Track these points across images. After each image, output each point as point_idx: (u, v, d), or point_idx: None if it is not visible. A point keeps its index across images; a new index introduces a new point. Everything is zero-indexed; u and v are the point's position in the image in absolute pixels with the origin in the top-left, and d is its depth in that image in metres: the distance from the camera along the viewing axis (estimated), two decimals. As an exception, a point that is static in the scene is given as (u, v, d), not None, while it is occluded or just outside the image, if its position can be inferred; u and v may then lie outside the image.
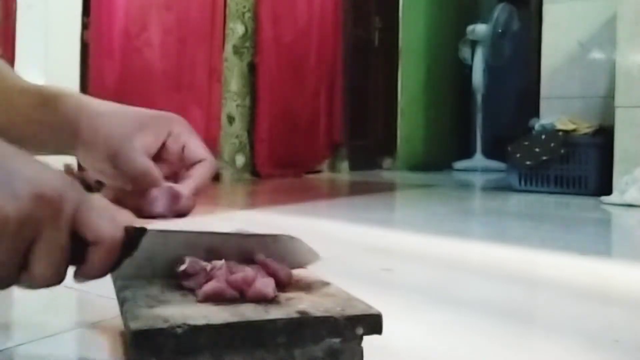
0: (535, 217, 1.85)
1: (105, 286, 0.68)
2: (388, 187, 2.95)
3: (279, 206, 1.94)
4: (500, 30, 4.00)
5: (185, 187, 0.56)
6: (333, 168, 3.66)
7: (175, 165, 0.59)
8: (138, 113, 0.59)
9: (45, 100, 0.58)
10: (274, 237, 0.55)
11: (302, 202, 2.09)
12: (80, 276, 0.45)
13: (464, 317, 0.71)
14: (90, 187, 0.61)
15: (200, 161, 0.58)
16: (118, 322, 0.63)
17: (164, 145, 0.58)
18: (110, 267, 0.45)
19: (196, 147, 0.59)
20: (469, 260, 1.10)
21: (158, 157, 0.58)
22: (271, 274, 0.50)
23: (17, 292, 0.80)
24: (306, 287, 0.52)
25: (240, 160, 3.09)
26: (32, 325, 0.64)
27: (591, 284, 0.92)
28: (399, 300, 0.78)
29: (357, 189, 2.90)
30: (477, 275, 0.98)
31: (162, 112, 0.60)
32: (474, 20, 4.13)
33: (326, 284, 0.53)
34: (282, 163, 3.21)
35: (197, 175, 0.57)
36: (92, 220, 0.42)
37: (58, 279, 0.42)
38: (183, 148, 0.58)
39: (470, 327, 0.67)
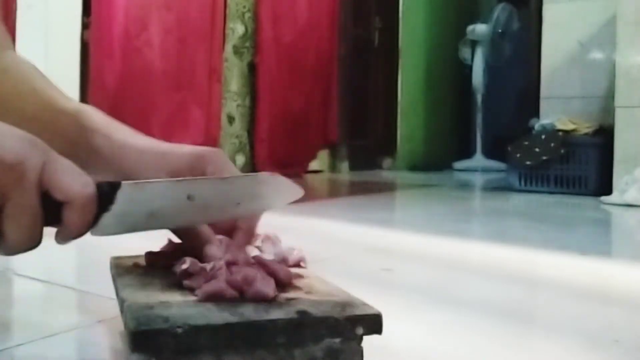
0: (535, 217, 1.85)
1: (105, 286, 0.68)
2: (388, 187, 2.95)
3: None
4: (500, 30, 4.00)
5: (239, 241, 0.55)
6: (333, 168, 3.66)
7: None
8: (173, 158, 0.56)
9: (81, 127, 0.57)
10: (254, 177, 0.52)
11: (302, 202, 2.09)
12: (60, 237, 0.44)
13: (464, 317, 0.71)
14: None
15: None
16: (118, 322, 0.63)
17: None
18: (87, 224, 0.44)
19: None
20: (469, 260, 1.10)
21: None
22: (271, 273, 0.50)
23: (17, 292, 0.80)
24: (306, 287, 0.52)
25: (240, 160, 3.09)
26: (32, 325, 0.64)
27: (591, 284, 0.92)
28: (399, 300, 0.78)
29: (357, 189, 2.90)
30: (477, 275, 0.98)
31: (194, 151, 0.56)
32: (474, 20, 4.13)
33: (326, 283, 0.53)
34: (282, 163, 3.20)
35: (245, 228, 0.56)
36: (60, 179, 0.41)
37: (32, 242, 0.42)
38: None
39: (470, 327, 0.67)
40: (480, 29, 4.01)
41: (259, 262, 0.51)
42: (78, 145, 0.58)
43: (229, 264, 0.50)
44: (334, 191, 2.82)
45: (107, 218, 0.45)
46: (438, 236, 1.38)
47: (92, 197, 0.43)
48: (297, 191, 0.53)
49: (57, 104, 0.60)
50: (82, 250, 1.04)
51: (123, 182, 0.47)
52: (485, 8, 4.45)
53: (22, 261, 0.88)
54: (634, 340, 0.64)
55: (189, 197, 0.49)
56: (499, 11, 3.99)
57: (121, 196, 0.46)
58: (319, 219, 1.68)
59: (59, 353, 0.57)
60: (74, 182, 0.42)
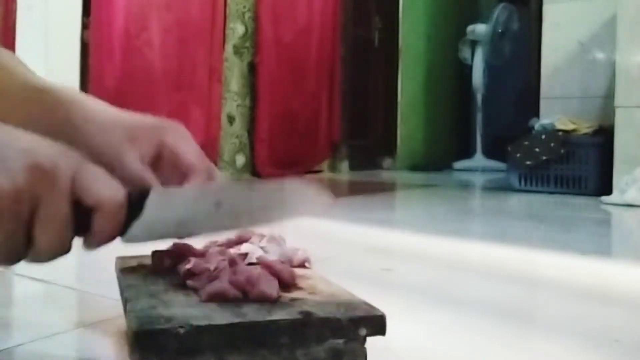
0: (535, 217, 1.85)
1: (105, 286, 0.68)
2: (388, 187, 2.95)
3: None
4: (500, 30, 4.00)
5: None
6: (333, 168, 3.66)
7: (171, 176, 0.57)
8: (130, 123, 0.56)
9: (42, 100, 0.57)
10: (283, 184, 0.52)
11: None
12: (89, 244, 0.44)
13: (464, 317, 0.71)
14: None
15: (191, 170, 0.56)
16: (118, 322, 0.63)
17: (159, 156, 0.56)
18: (117, 231, 0.44)
19: (187, 156, 0.56)
20: (469, 260, 1.10)
21: (154, 168, 0.56)
22: (275, 274, 0.50)
23: (17, 292, 0.80)
24: (310, 287, 0.52)
25: (240, 160, 3.09)
26: (32, 325, 0.64)
27: (591, 284, 0.92)
28: (399, 300, 0.78)
29: (357, 189, 2.90)
30: (477, 275, 0.98)
31: (155, 121, 0.57)
32: (474, 20, 4.13)
33: (330, 284, 0.53)
34: (282, 163, 3.20)
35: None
36: (91, 185, 0.42)
37: (63, 249, 0.42)
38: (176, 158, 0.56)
39: (470, 327, 0.67)
40: (480, 29, 4.01)
41: (263, 263, 0.51)
42: (49, 119, 0.57)
43: (233, 264, 0.50)
44: (333, 191, 2.81)
45: (136, 225, 0.46)
46: (438, 236, 1.38)
47: (123, 203, 0.43)
48: (326, 199, 0.53)
49: (34, 82, 0.60)
50: (82, 250, 1.03)
51: (153, 189, 0.47)
52: (485, 8, 4.45)
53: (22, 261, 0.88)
54: (634, 340, 0.64)
55: (217, 204, 0.49)
56: (499, 11, 3.99)
57: (150, 203, 0.46)
58: (319, 219, 1.68)
59: (59, 353, 0.57)
60: (105, 188, 0.42)
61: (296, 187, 0.52)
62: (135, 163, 0.54)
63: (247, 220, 0.52)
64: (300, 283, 0.52)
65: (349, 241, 1.30)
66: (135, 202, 0.45)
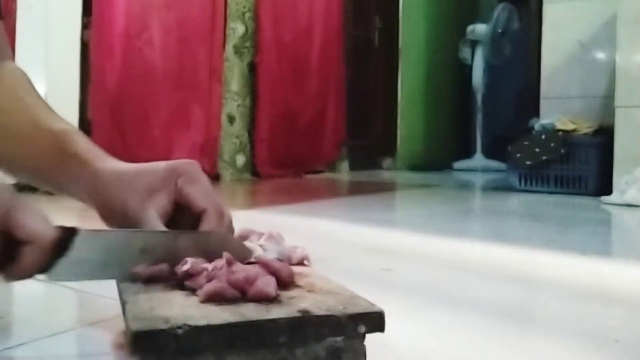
0: (535, 217, 1.85)
1: (105, 286, 0.68)
2: (388, 187, 2.95)
3: (279, 206, 1.94)
4: (500, 30, 4.00)
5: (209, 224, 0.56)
6: (333, 168, 3.66)
7: (199, 206, 0.58)
8: (148, 176, 0.58)
9: (64, 152, 0.59)
10: (207, 235, 0.55)
11: (302, 202, 2.09)
12: (10, 275, 0.45)
13: (464, 317, 0.71)
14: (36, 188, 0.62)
15: (203, 213, 0.57)
16: (118, 322, 0.63)
17: (176, 201, 0.58)
18: (43, 266, 0.45)
19: (196, 199, 0.57)
20: (469, 260, 1.10)
21: (177, 214, 0.58)
22: (273, 272, 0.50)
23: (17, 292, 0.80)
24: (308, 285, 0.52)
25: (240, 160, 3.09)
26: (32, 325, 0.64)
27: (591, 284, 0.92)
28: (399, 300, 0.78)
29: (357, 189, 2.90)
30: (477, 275, 0.98)
31: (168, 167, 0.58)
32: (474, 20, 4.13)
33: (329, 281, 0.53)
34: (282, 163, 3.21)
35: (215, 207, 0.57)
36: (25, 221, 0.43)
37: None
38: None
39: (470, 327, 0.67)
40: (480, 29, 4.01)
41: (261, 262, 0.51)
42: (58, 167, 0.60)
43: (230, 264, 0.50)
44: (334, 191, 2.82)
45: (62, 263, 0.47)
46: (438, 236, 1.38)
47: (53, 239, 0.45)
48: (248, 252, 0.55)
49: (44, 122, 0.62)
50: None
51: (81, 228, 0.48)
52: (485, 8, 4.45)
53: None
54: (634, 340, 0.64)
55: (142, 251, 0.52)
56: (499, 11, 3.99)
57: (78, 242, 0.48)
58: (319, 219, 1.68)
59: (59, 353, 0.57)
60: (37, 224, 0.44)
61: (221, 239, 0.54)
62: (154, 219, 0.56)
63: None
64: (299, 281, 0.52)
65: (349, 241, 1.30)
66: (63, 241, 0.47)
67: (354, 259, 1.08)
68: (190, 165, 0.59)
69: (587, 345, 0.62)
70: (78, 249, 0.48)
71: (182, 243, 0.54)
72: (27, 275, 0.45)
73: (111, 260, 0.51)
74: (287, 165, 3.23)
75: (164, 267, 0.51)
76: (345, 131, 3.69)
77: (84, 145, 0.60)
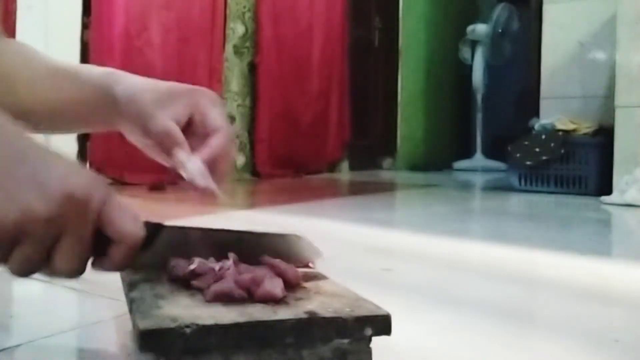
0: (535, 217, 1.85)
1: (105, 286, 0.68)
2: (388, 187, 2.95)
3: (279, 206, 1.94)
4: (500, 30, 4.00)
5: (202, 155, 0.58)
6: (333, 168, 3.66)
7: (201, 138, 0.61)
8: (170, 87, 0.62)
9: (76, 78, 0.62)
10: (282, 236, 0.56)
11: (302, 202, 2.09)
12: (99, 267, 0.46)
13: (464, 317, 0.71)
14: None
15: (217, 130, 0.59)
16: (118, 322, 0.63)
17: (192, 119, 0.60)
18: (130, 262, 0.46)
19: (214, 117, 0.60)
20: (469, 260, 1.10)
21: (188, 129, 0.60)
22: (279, 274, 0.50)
23: (17, 292, 0.80)
24: (315, 287, 0.52)
25: (240, 160, 3.09)
26: (32, 325, 0.64)
27: (591, 284, 0.92)
28: (399, 300, 0.78)
29: (357, 189, 2.90)
30: (477, 275, 0.98)
31: (194, 87, 0.62)
32: (474, 20, 4.13)
33: (335, 284, 0.53)
34: (282, 163, 3.21)
35: (212, 144, 0.59)
36: (116, 219, 0.44)
37: (78, 272, 0.44)
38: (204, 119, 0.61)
39: (470, 327, 0.67)
40: (480, 29, 4.01)
41: (268, 263, 0.51)
42: (104, 98, 0.62)
43: (237, 264, 0.50)
44: (334, 191, 2.82)
45: (144, 256, 0.48)
46: (438, 236, 1.38)
47: (141, 240, 0.46)
48: (318, 252, 0.57)
49: (85, 68, 0.65)
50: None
51: (166, 225, 0.50)
52: (485, 8, 4.45)
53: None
54: (634, 340, 0.64)
55: (220, 247, 0.53)
56: (499, 11, 3.99)
57: (162, 238, 0.50)
58: (319, 219, 1.68)
59: (59, 353, 0.57)
60: (128, 224, 0.45)
61: (293, 240, 0.56)
62: (163, 120, 0.58)
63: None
64: (305, 283, 0.52)
65: (349, 241, 1.30)
66: (149, 235, 0.48)
67: (354, 259, 1.08)
68: (212, 92, 0.63)
69: (587, 345, 0.62)
70: (161, 244, 0.50)
71: (261, 242, 0.55)
72: (114, 269, 0.47)
73: (188, 252, 0.52)
74: (287, 165, 3.23)
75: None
76: (349, 132, 3.69)
77: (129, 75, 0.65)
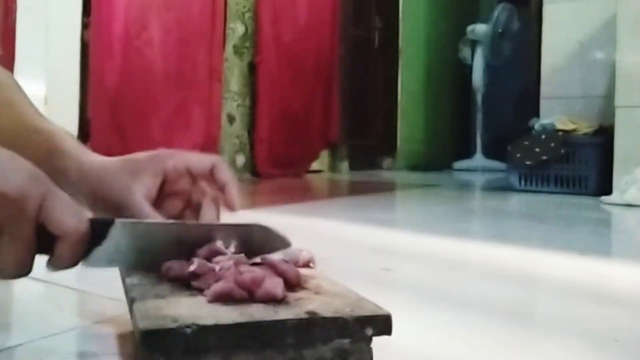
0: (535, 217, 1.85)
1: (105, 286, 0.68)
2: (388, 187, 2.95)
3: (279, 206, 1.94)
4: (500, 30, 4.00)
5: (230, 201, 0.59)
6: (333, 168, 3.66)
7: (187, 195, 0.60)
8: (130, 162, 0.59)
9: (52, 149, 0.61)
10: (244, 227, 0.56)
11: (302, 202, 2.09)
12: (51, 266, 0.46)
13: (464, 317, 0.71)
14: None
15: (212, 168, 0.59)
16: (118, 322, 0.63)
17: (165, 182, 0.59)
18: (79, 257, 0.46)
19: (199, 161, 0.60)
20: (469, 260, 1.10)
21: (164, 195, 0.59)
22: (280, 274, 0.50)
23: (17, 292, 0.80)
24: (315, 287, 0.52)
25: (240, 160, 3.09)
26: (32, 325, 0.64)
27: (591, 284, 0.92)
28: (399, 300, 0.78)
29: (357, 189, 2.90)
30: (477, 275, 0.98)
31: (153, 153, 0.60)
32: (474, 20, 4.13)
33: (335, 284, 0.53)
34: (282, 163, 3.21)
35: (228, 181, 0.60)
36: (56, 215, 0.44)
37: (23, 271, 0.44)
38: (190, 171, 0.60)
39: (470, 327, 0.67)
40: (480, 29, 4.01)
41: (268, 263, 0.51)
42: (47, 165, 0.60)
43: (238, 264, 0.50)
44: (334, 191, 2.82)
45: (98, 252, 0.48)
46: (438, 236, 1.38)
47: (85, 234, 0.45)
48: (286, 243, 0.56)
49: (32, 121, 0.63)
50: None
51: (116, 219, 0.50)
52: (485, 8, 4.45)
53: None
54: (634, 340, 0.64)
55: (177, 240, 0.53)
56: (499, 11, 3.99)
57: (113, 232, 0.49)
58: (319, 219, 1.68)
59: (59, 353, 0.57)
60: (70, 218, 0.44)
61: (257, 230, 0.56)
62: (142, 203, 0.57)
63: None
64: (306, 283, 0.52)
65: (349, 241, 1.30)
66: (99, 230, 0.48)
67: (354, 259, 1.08)
68: (175, 151, 0.61)
69: (587, 345, 0.62)
70: (113, 239, 0.49)
71: (218, 234, 0.54)
72: (65, 267, 0.46)
73: (145, 249, 0.52)
74: (287, 165, 3.23)
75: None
76: (337, 130, 3.68)
77: (72, 142, 0.62)
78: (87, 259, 0.48)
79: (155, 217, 0.56)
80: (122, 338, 0.59)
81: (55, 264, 0.46)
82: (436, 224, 1.62)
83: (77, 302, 0.76)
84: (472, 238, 1.44)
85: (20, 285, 0.81)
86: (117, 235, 0.50)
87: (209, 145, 2.82)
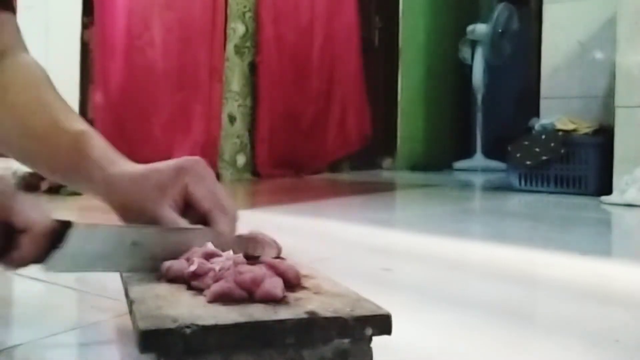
0: (535, 217, 1.85)
1: (105, 286, 0.68)
2: (388, 187, 2.95)
3: (279, 206, 1.94)
4: (500, 30, 4.00)
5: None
6: (333, 168, 3.66)
7: (203, 207, 0.61)
8: (158, 175, 0.60)
9: (79, 155, 0.62)
10: (198, 231, 0.57)
11: (302, 202, 2.09)
12: (9, 263, 0.47)
13: (464, 317, 0.71)
14: (37, 187, 0.65)
15: (208, 212, 0.59)
16: (118, 322, 0.63)
17: (185, 198, 0.60)
18: (39, 255, 0.47)
19: (200, 199, 0.60)
20: (469, 260, 1.10)
21: (188, 205, 0.60)
22: (280, 274, 0.50)
23: (17, 292, 0.80)
24: (315, 287, 0.52)
25: (241, 160, 3.09)
26: (32, 325, 0.64)
27: (591, 284, 0.92)
28: (399, 300, 0.78)
29: (357, 189, 2.90)
30: (477, 275, 0.98)
31: (177, 165, 0.61)
32: (474, 20, 4.13)
33: (335, 284, 0.53)
34: (282, 163, 3.20)
35: (224, 227, 0.59)
36: (21, 209, 0.45)
37: None
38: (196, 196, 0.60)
39: (470, 327, 0.67)
40: (480, 29, 4.01)
41: (267, 263, 0.51)
42: (75, 169, 0.63)
43: (237, 264, 0.50)
44: (334, 191, 2.82)
45: (58, 254, 0.49)
46: (438, 236, 1.38)
47: (49, 227, 0.47)
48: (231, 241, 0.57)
49: (63, 123, 0.64)
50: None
51: (75, 222, 0.50)
52: (485, 8, 4.45)
53: None
54: (634, 340, 0.64)
55: (134, 244, 0.53)
56: (499, 11, 3.99)
57: (72, 235, 0.50)
58: (319, 219, 1.68)
59: (59, 353, 0.57)
60: (33, 212, 0.46)
61: (212, 235, 0.56)
62: (170, 213, 0.58)
63: (162, 261, 0.54)
64: (305, 283, 0.52)
65: (349, 241, 1.30)
66: (58, 233, 0.49)
67: (354, 259, 1.08)
68: (196, 164, 0.61)
69: (587, 345, 0.62)
70: (73, 242, 0.50)
71: (174, 238, 0.55)
72: (25, 263, 0.47)
73: (105, 253, 0.52)
74: (288, 165, 3.23)
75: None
76: (369, 124, 3.72)
77: (99, 148, 0.63)
78: (48, 261, 0.49)
79: (182, 223, 0.58)
80: (122, 338, 0.59)
81: (14, 260, 0.46)
82: (436, 224, 1.62)
83: (77, 302, 0.76)
84: (472, 238, 1.44)
85: (20, 285, 0.81)
86: (76, 239, 0.50)
87: (210, 145, 2.82)
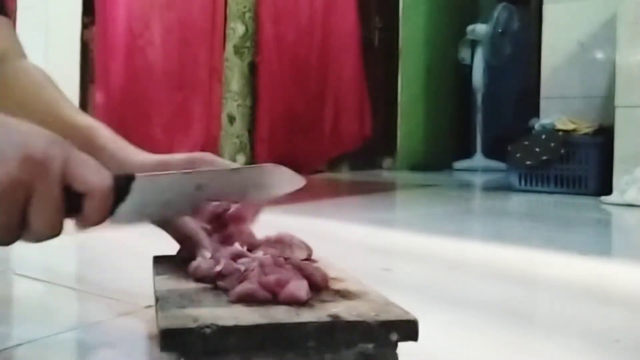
0: (535, 217, 1.85)
1: (105, 286, 0.68)
2: (388, 187, 2.95)
3: (279, 206, 1.93)
4: (500, 30, 3.99)
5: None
6: (333, 168, 3.66)
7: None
8: (170, 167, 0.60)
9: (90, 145, 0.62)
10: (260, 168, 0.58)
11: (302, 202, 2.09)
12: (80, 225, 0.47)
13: (464, 317, 0.71)
14: None
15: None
16: (117, 322, 0.63)
17: None
18: (106, 214, 0.47)
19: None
20: (469, 260, 1.10)
21: None
22: (306, 276, 0.49)
23: (17, 292, 0.80)
24: (342, 290, 0.51)
25: (240, 160, 3.08)
26: (32, 325, 0.64)
27: (591, 284, 0.92)
28: (399, 300, 0.78)
29: (357, 189, 2.90)
30: (477, 275, 0.98)
31: (189, 158, 0.62)
32: (474, 20, 4.13)
33: (364, 287, 0.53)
34: (282, 163, 3.19)
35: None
36: (81, 173, 0.45)
37: (55, 231, 0.45)
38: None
39: (470, 327, 0.67)
40: (480, 29, 4.01)
41: (294, 264, 0.51)
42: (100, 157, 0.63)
43: (262, 266, 0.50)
44: (334, 191, 2.82)
45: (123, 208, 0.49)
46: (438, 236, 1.38)
47: (110, 188, 0.46)
48: (299, 180, 0.60)
49: (68, 117, 0.66)
50: (82, 250, 1.04)
51: (137, 174, 0.51)
52: (485, 8, 4.45)
53: (22, 261, 0.88)
54: (634, 340, 0.64)
55: (197, 188, 0.54)
56: (499, 11, 3.99)
57: (136, 187, 0.50)
58: (319, 219, 1.68)
59: (59, 353, 0.57)
60: (94, 175, 0.46)
61: (272, 171, 0.59)
62: (188, 221, 0.59)
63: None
64: (334, 285, 0.52)
65: (349, 241, 1.30)
66: (122, 186, 0.49)
67: (354, 259, 1.08)
68: (206, 157, 0.63)
69: (587, 345, 0.62)
70: (136, 193, 0.50)
71: (236, 177, 0.56)
72: (94, 224, 0.47)
73: (169, 200, 0.53)
74: (288, 165, 3.22)
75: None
76: (370, 125, 3.72)
77: (110, 137, 0.65)
78: (114, 216, 0.49)
79: (197, 234, 0.59)
80: (122, 338, 0.59)
81: (84, 222, 0.47)
82: (436, 224, 1.62)
83: (77, 302, 0.76)
84: (472, 238, 1.44)
85: (20, 285, 0.81)
86: (140, 190, 0.50)
87: (209, 145, 2.82)
